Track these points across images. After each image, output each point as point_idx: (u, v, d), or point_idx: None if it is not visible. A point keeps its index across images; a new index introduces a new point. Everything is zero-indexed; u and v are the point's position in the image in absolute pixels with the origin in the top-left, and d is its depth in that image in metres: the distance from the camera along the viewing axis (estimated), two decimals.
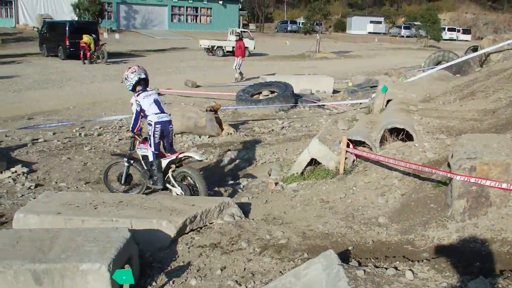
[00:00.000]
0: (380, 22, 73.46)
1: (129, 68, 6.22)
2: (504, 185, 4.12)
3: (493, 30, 69.36)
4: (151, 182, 6.27)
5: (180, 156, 6.18)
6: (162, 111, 6.09)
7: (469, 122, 7.36)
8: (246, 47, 31.20)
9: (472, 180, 4.25)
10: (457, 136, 6.05)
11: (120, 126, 11.02)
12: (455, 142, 5.24)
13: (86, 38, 23.63)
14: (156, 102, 6.09)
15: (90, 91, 15.97)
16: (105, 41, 28.33)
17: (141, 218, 4.76)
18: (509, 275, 3.38)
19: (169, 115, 6.29)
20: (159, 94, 14.41)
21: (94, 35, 24.44)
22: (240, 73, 19.83)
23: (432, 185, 5.43)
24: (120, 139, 9.85)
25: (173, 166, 6.18)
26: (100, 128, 10.66)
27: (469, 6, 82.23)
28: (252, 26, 66.91)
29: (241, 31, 30.69)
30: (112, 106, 13.31)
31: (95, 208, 4.96)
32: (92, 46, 23.88)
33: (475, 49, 17.02)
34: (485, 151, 4.50)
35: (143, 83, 6.09)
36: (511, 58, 12.06)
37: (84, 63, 23.47)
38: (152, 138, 6.00)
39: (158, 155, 6.17)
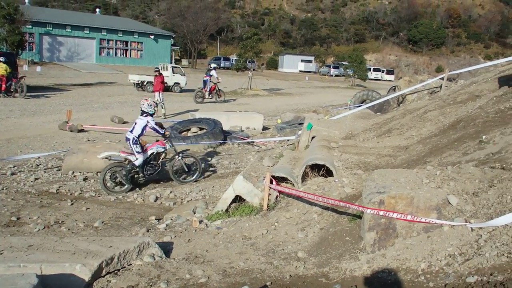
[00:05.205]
0: (310, 61, 76.43)
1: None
2: (409, 217, 4.38)
3: (414, 71, 74.20)
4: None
5: None
6: (131, 131, 9.06)
7: (385, 158, 7.76)
8: (177, 83, 31.31)
9: (381, 213, 4.48)
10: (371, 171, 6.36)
11: (38, 165, 10.50)
12: (368, 177, 5.50)
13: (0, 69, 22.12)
14: (134, 124, 9.16)
15: (6, 126, 14.75)
16: (24, 74, 27.04)
17: (52, 262, 4.53)
18: None
19: (131, 131, 9.09)
20: (81, 130, 14.21)
21: (2, 61, 22.31)
22: (156, 105, 19.15)
23: (348, 218, 5.64)
24: (36, 178, 9.44)
25: None
26: (14, 167, 10.07)
27: (392, 48, 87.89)
28: (184, 61, 67.19)
29: (163, 67, 30.65)
30: (29, 143, 12.48)
31: (1, 254, 4.67)
32: (3, 71, 22.05)
33: (396, 88, 18.11)
34: (393, 186, 4.76)
35: (142, 111, 9.26)
36: (424, 98, 12.94)
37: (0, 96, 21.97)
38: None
39: None
